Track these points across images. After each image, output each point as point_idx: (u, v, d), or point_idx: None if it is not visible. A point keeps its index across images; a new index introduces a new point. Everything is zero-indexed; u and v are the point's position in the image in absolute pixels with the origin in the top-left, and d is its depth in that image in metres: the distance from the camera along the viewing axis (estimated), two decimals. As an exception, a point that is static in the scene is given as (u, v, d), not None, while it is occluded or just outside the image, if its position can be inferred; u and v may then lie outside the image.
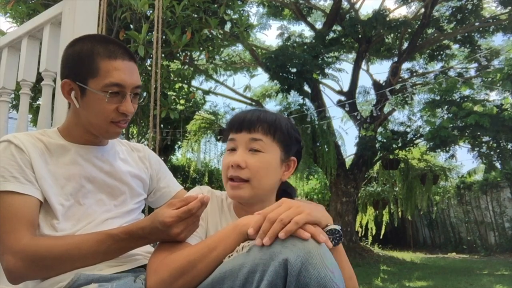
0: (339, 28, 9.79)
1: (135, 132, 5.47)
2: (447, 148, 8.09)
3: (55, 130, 1.12)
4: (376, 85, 9.97)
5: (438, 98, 8.21)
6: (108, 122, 1.05)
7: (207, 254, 0.84)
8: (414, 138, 8.83)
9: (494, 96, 8.08)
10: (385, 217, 11.28)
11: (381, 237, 11.43)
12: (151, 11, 3.22)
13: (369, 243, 11.22)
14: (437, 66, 10.53)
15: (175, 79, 4.33)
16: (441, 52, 10.04)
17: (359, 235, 11.10)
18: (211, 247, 0.85)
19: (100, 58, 1.02)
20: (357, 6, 9.80)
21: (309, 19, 10.39)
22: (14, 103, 4.59)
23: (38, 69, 1.74)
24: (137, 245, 0.97)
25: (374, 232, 11.53)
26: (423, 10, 9.02)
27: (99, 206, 1.06)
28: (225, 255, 0.83)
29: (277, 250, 0.74)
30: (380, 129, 9.50)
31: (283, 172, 1.05)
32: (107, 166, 1.11)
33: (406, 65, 10.30)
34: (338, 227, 0.86)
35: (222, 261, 0.83)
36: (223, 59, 9.19)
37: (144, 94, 3.62)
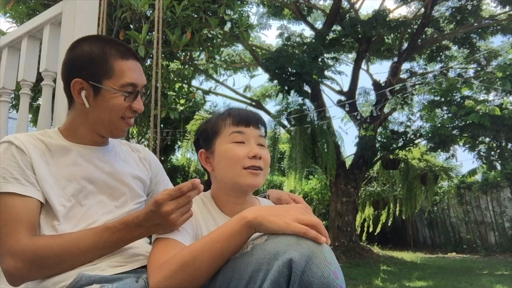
0: (339, 28, 9.79)
1: (135, 132, 5.47)
2: (447, 148, 8.09)
3: (56, 131, 1.11)
4: (376, 85, 9.96)
5: (438, 98, 8.22)
6: (119, 118, 1.08)
7: (210, 247, 0.83)
8: (414, 138, 8.83)
9: (493, 97, 8.05)
10: (383, 217, 11.28)
11: (375, 233, 11.43)
12: (151, 11, 3.21)
13: (365, 242, 11.22)
14: (436, 66, 10.54)
15: (175, 79, 4.31)
16: (441, 53, 10.05)
17: (358, 234, 11.10)
18: (215, 240, 0.84)
19: (113, 59, 1.05)
20: (357, 6, 9.80)
21: (309, 18, 10.39)
22: (14, 103, 4.59)
23: (38, 69, 1.74)
24: (134, 235, 0.97)
25: (372, 231, 11.53)
26: (423, 10, 9.03)
27: (100, 207, 1.06)
28: (229, 247, 0.82)
29: (281, 249, 0.74)
30: (380, 129, 9.49)
31: None
32: (108, 167, 1.10)
33: (406, 66, 10.32)
34: None
35: (226, 253, 0.82)
36: (223, 59, 9.17)
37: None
